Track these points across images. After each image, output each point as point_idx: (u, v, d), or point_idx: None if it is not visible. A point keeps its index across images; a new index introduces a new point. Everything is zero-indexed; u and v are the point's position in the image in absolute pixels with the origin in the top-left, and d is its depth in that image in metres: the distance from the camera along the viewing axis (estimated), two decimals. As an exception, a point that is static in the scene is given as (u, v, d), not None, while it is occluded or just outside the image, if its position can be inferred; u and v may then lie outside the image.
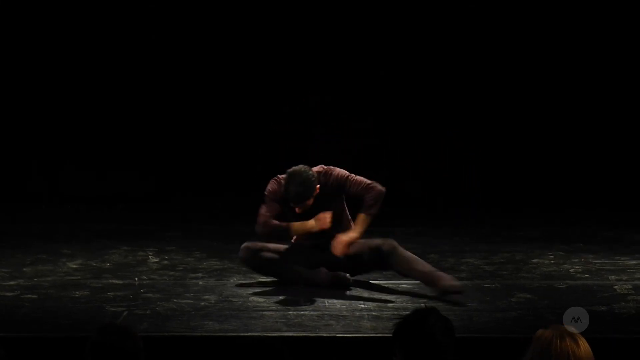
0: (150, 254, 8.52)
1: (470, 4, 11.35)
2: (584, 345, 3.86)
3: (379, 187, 7.34)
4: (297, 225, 7.33)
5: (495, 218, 10.24)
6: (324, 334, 6.24)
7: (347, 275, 7.47)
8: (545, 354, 3.84)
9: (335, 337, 6.20)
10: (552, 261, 8.34)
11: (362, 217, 7.33)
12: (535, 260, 8.35)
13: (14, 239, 9.04)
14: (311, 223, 7.30)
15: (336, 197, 7.47)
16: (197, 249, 8.65)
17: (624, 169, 11.05)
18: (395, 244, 7.37)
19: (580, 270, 8.05)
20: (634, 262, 8.29)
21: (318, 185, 7.27)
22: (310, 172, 7.23)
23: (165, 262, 8.28)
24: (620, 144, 11.14)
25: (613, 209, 10.41)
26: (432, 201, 10.96)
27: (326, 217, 7.26)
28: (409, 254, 7.36)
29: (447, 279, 7.18)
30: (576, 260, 8.37)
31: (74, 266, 8.10)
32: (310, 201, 7.25)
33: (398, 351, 4.56)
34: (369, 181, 7.35)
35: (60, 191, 11.04)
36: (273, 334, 6.14)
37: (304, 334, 6.24)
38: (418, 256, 7.49)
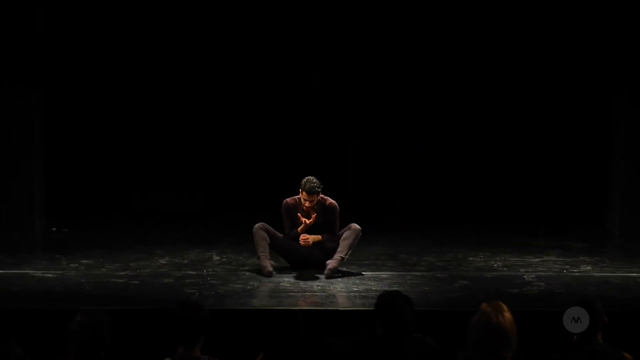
0: (214, 253, 8.48)
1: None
2: (508, 317, 3.83)
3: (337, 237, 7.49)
4: (300, 229, 7.39)
5: (443, 230, 10.19)
6: (330, 308, 6.19)
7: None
8: (484, 325, 3.81)
9: (337, 309, 6.16)
10: (482, 259, 8.29)
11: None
12: (471, 258, 8.30)
13: (123, 244, 9.00)
14: (302, 226, 7.36)
15: (327, 216, 7.47)
16: (245, 251, 8.59)
17: (531, 193, 10.89)
18: (356, 227, 7.41)
19: (500, 265, 8.00)
20: (537, 259, 8.25)
21: (320, 196, 7.42)
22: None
23: (224, 259, 8.23)
24: (529, 170, 10.88)
25: (522, 224, 10.35)
26: (401, 219, 10.85)
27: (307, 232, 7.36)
28: (352, 237, 7.36)
29: (333, 262, 7.25)
30: (498, 258, 8.31)
31: (163, 262, 8.06)
32: (314, 201, 7.33)
33: (378, 324, 4.54)
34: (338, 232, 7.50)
35: (152, 210, 10.94)
36: (295, 308, 6.11)
37: (316, 308, 6.19)
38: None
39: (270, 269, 7.33)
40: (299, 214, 7.39)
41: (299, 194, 7.47)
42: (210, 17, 10.67)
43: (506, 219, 10.66)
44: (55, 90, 10.35)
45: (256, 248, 7.46)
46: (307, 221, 7.35)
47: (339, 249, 7.32)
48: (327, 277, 7.16)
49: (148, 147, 10.86)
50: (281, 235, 7.60)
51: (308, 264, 7.48)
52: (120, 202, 10.95)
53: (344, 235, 7.40)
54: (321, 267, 7.38)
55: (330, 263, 7.25)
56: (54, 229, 9.92)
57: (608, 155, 10.16)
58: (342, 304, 6.35)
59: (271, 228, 7.56)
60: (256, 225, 7.52)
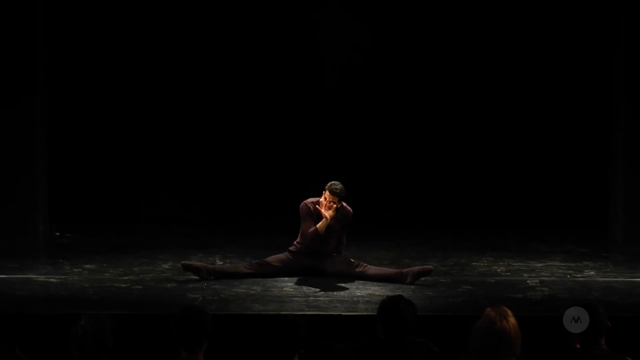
0: (217, 258, 8.46)
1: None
2: (512, 322, 3.82)
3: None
4: (319, 225, 7.32)
5: (447, 234, 10.11)
6: (333, 313, 6.20)
7: None
8: (488, 330, 3.80)
9: (340, 315, 6.16)
10: (485, 264, 8.27)
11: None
12: (474, 263, 8.28)
13: (126, 249, 8.96)
14: (322, 222, 7.31)
15: (342, 222, 7.46)
16: (248, 255, 8.53)
17: (532, 199, 10.76)
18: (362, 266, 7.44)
19: (504, 270, 7.98)
20: (540, 264, 8.23)
21: (343, 203, 7.41)
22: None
23: (227, 264, 8.20)
24: (529, 177, 10.75)
25: (525, 228, 10.28)
26: (404, 223, 10.71)
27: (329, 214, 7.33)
28: (374, 267, 7.45)
29: (416, 267, 7.30)
30: (501, 263, 8.29)
31: (167, 267, 8.05)
32: (335, 203, 7.31)
33: (380, 328, 4.55)
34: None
35: (157, 215, 10.85)
36: (298, 313, 6.09)
37: (319, 313, 6.20)
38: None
39: (189, 264, 7.43)
40: (317, 206, 7.33)
41: (314, 197, 7.47)
42: (213, 22, 10.66)
43: (508, 223, 10.59)
44: (58, 94, 10.31)
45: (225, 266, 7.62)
46: (327, 214, 7.28)
47: (396, 272, 7.34)
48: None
49: (153, 150, 10.79)
50: (280, 255, 7.58)
51: (313, 272, 7.47)
52: (124, 207, 10.90)
53: (375, 270, 7.42)
54: (325, 275, 7.41)
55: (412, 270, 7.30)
56: (57, 233, 9.92)
57: (609, 158, 10.13)
58: (345, 308, 6.35)
59: (262, 262, 7.54)
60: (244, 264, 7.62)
